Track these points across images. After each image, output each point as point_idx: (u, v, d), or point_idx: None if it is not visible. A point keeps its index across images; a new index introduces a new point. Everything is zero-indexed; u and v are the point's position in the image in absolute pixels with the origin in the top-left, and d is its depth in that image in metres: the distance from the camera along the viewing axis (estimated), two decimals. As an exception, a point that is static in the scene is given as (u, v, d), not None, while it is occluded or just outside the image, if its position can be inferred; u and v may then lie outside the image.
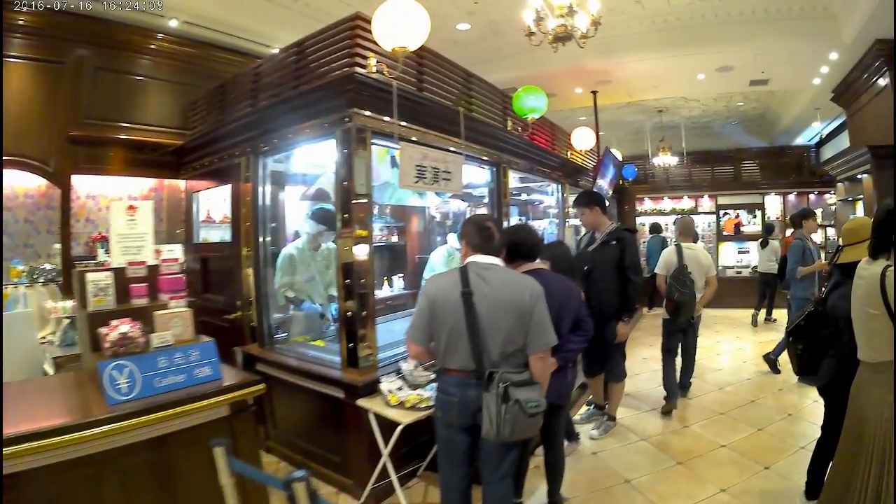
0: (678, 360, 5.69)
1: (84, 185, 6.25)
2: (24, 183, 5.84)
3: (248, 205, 4.62)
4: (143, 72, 6.42)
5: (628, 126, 13.77)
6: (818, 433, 3.37)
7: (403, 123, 3.85)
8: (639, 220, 12.97)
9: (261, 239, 4.64)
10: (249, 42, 6.71)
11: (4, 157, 5.31)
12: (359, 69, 3.49)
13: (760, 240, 10.05)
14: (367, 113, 3.61)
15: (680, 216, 6.81)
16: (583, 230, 5.11)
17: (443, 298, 2.56)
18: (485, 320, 2.51)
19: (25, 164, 5.53)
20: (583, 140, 7.52)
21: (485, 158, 5.11)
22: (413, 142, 3.92)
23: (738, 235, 12.30)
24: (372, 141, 3.69)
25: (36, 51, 5.58)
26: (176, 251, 3.26)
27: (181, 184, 6.39)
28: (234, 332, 4.74)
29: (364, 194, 3.57)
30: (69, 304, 5.54)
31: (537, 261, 3.26)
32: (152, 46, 6.47)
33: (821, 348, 3.24)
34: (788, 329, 3.42)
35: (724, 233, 12.38)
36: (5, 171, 5.52)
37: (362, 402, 3.40)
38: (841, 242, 3.18)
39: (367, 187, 3.58)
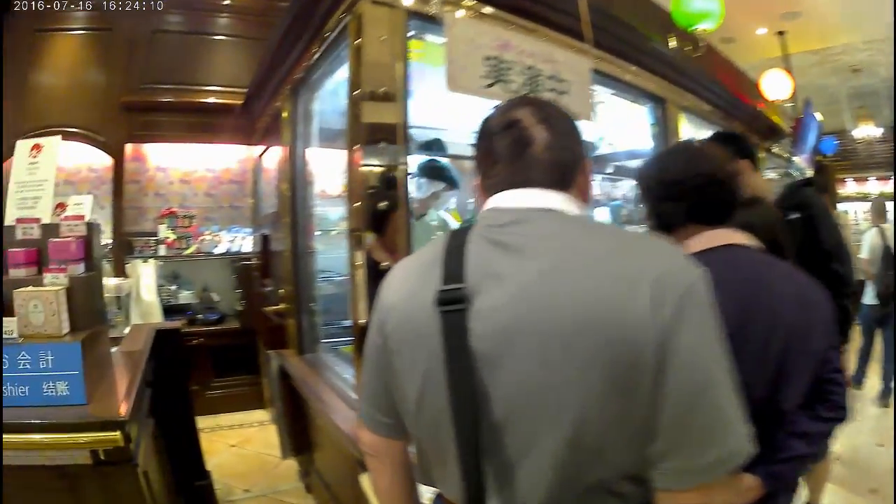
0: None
1: (154, 157, 5.53)
2: (87, 157, 5.32)
3: (285, 161, 3.40)
4: (211, 30, 5.60)
5: (820, 92, 11.04)
6: None
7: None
8: (840, 206, 10.11)
9: (300, 208, 3.38)
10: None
11: (54, 129, 4.65)
12: None
13: None
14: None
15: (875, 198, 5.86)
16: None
17: (403, 318, 0.97)
18: (502, 380, 0.85)
19: (75, 134, 5.01)
20: (776, 87, 5.53)
21: (639, 87, 3.32)
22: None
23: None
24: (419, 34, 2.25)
25: (85, 21, 5.13)
26: (85, 205, 2.09)
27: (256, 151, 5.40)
28: (283, 324, 3.55)
29: (392, 125, 2.05)
30: (113, 281, 4.74)
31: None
32: (225, 2, 5.61)
33: None
34: None
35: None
36: (61, 143, 5.03)
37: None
38: None
39: (400, 113, 2.07)
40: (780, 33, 7.57)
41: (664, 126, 3.58)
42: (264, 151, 4.96)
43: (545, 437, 0.82)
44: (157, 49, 5.27)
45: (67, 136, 4.95)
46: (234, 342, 5.21)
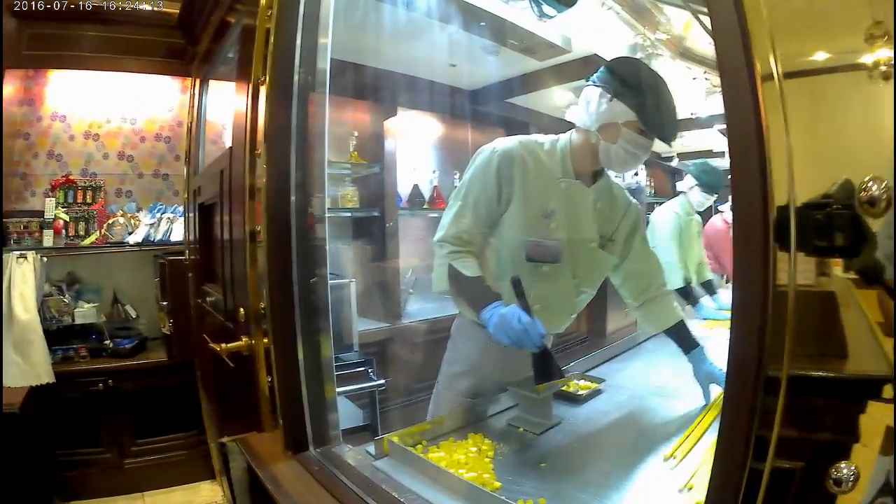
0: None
1: (54, 98, 3.61)
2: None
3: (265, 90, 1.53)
4: None
5: None
6: None
7: None
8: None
9: (293, 154, 1.53)
10: None
11: None
12: None
13: None
14: None
15: None
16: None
17: None
18: None
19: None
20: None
21: None
22: None
23: None
24: None
25: None
26: None
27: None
28: (248, 378, 1.73)
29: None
30: None
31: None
32: None
33: None
34: None
35: None
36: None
37: None
38: None
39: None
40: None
41: None
42: (203, 81, 3.14)
43: None
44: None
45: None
46: (162, 383, 3.38)
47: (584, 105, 1.67)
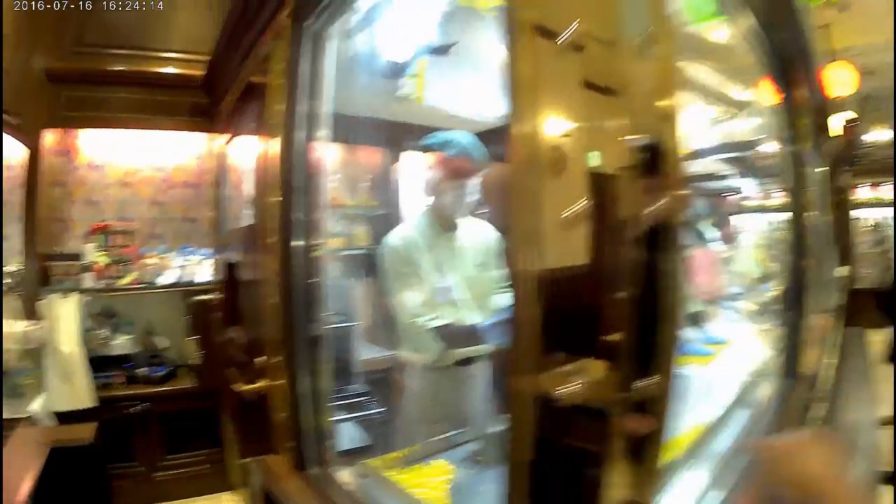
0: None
1: (88, 150, 4.08)
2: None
3: (278, 148, 1.95)
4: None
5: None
6: None
7: None
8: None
9: (301, 203, 1.93)
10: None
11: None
12: None
13: None
14: None
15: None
16: None
17: None
18: None
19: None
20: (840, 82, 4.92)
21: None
22: None
23: None
24: None
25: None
26: None
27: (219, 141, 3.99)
28: (263, 411, 2.14)
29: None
30: (20, 327, 3.34)
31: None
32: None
33: None
34: None
35: None
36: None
37: None
38: None
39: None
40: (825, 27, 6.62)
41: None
42: (231, 140, 3.59)
43: None
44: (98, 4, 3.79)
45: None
46: (190, 406, 3.83)
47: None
